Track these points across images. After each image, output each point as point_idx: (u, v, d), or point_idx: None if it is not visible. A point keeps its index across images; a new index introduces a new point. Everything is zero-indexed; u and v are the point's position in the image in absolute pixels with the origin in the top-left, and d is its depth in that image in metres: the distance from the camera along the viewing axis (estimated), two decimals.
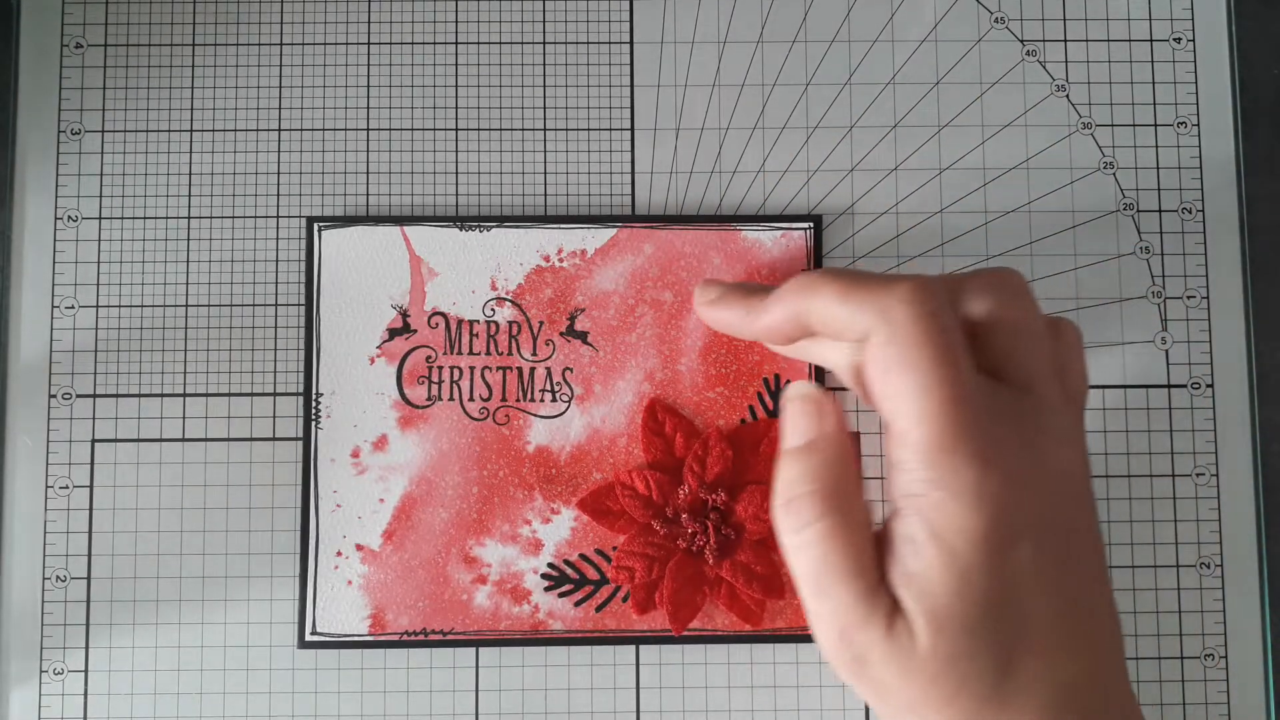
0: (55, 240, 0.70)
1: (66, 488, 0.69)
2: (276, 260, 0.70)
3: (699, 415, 0.69)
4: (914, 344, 0.45)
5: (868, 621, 0.46)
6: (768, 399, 0.69)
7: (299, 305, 0.70)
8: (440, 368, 0.69)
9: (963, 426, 0.44)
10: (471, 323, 0.69)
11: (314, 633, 0.68)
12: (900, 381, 0.45)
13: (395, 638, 0.67)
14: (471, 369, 0.69)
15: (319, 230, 0.70)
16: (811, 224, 0.70)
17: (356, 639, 0.68)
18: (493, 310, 0.69)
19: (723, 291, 0.61)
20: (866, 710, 0.68)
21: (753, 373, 0.69)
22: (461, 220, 0.70)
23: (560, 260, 0.70)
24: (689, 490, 0.67)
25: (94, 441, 0.69)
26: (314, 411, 0.69)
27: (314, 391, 0.69)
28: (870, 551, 0.47)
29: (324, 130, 0.72)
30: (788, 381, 0.69)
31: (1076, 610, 0.47)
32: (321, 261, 0.69)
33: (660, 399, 0.68)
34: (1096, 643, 0.47)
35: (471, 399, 0.69)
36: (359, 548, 0.68)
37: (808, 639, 0.68)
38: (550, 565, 0.68)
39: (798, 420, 0.52)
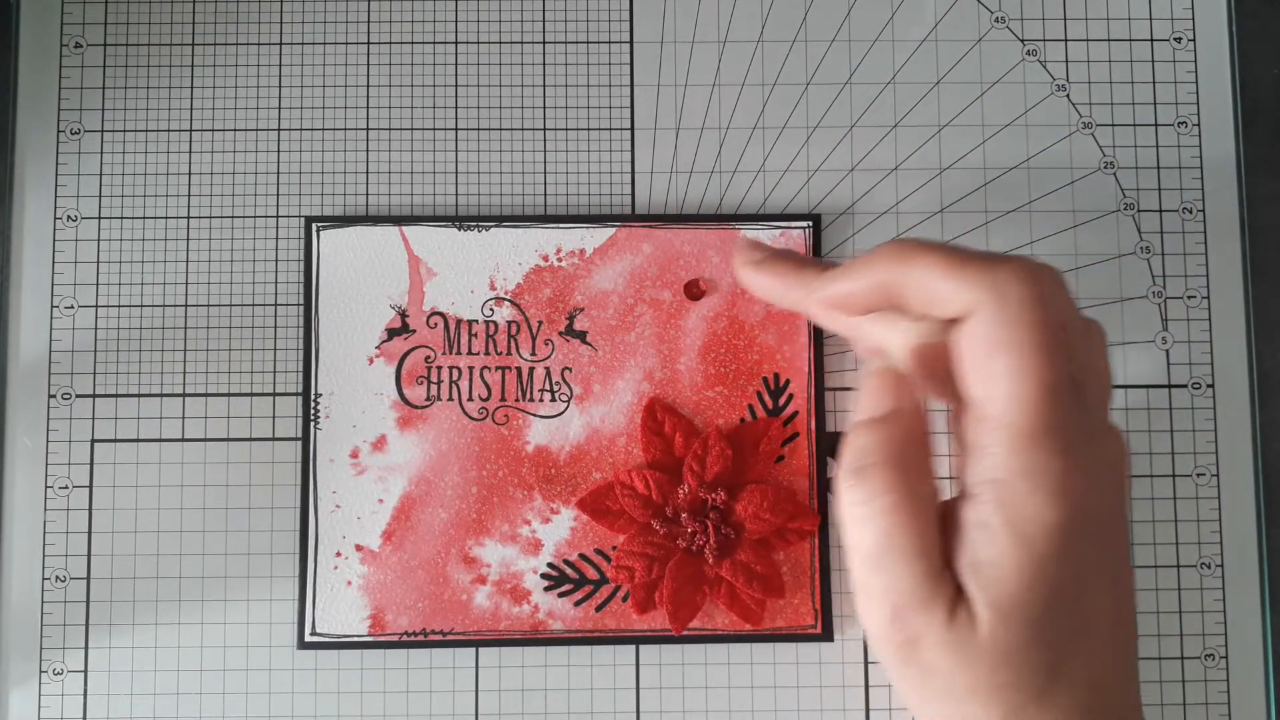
0: (55, 240, 0.70)
1: (66, 488, 0.69)
2: (275, 260, 0.70)
3: (698, 414, 0.69)
4: (1025, 326, 0.43)
5: (928, 605, 0.45)
6: (767, 398, 0.69)
7: (298, 305, 0.70)
8: (439, 368, 0.69)
9: (1056, 417, 0.43)
10: (470, 322, 0.69)
11: (314, 633, 0.68)
12: (1002, 363, 0.44)
13: (395, 638, 0.67)
14: (470, 369, 0.69)
15: (317, 230, 0.70)
16: (810, 223, 0.70)
17: (356, 640, 0.68)
18: (491, 310, 0.69)
19: (770, 254, 0.57)
20: (866, 710, 0.68)
21: (752, 372, 0.69)
22: (460, 220, 0.70)
23: (559, 260, 0.69)
24: (689, 490, 0.67)
25: (93, 441, 0.69)
26: (313, 412, 0.69)
27: (313, 392, 0.69)
28: (935, 533, 0.46)
29: (323, 130, 0.72)
30: (787, 381, 0.69)
31: (1121, 607, 0.46)
32: (319, 262, 0.69)
33: (659, 398, 0.69)
34: (1128, 640, 0.47)
35: (470, 399, 0.69)
36: (358, 548, 0.68)
37: (807, 638, 0.68)
38: (550, 565, 0.68)
39: (876, 394, 0.50)
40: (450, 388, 0.69)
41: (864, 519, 0.47)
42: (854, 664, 0.68)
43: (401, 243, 0.69)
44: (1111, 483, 0.46)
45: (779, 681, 0.68)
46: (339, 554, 0.68)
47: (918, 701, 0.47)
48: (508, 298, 0.69)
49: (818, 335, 0.69)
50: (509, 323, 0.69)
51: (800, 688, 0.68)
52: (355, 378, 0.69)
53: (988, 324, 0.44)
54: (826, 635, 0.68)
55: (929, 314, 0.47)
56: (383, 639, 0.67)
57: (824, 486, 0.69)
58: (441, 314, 0.69)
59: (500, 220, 0.69)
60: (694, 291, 0.69)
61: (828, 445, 0.68)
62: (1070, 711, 0.45)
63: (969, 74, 0.72)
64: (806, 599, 0.68)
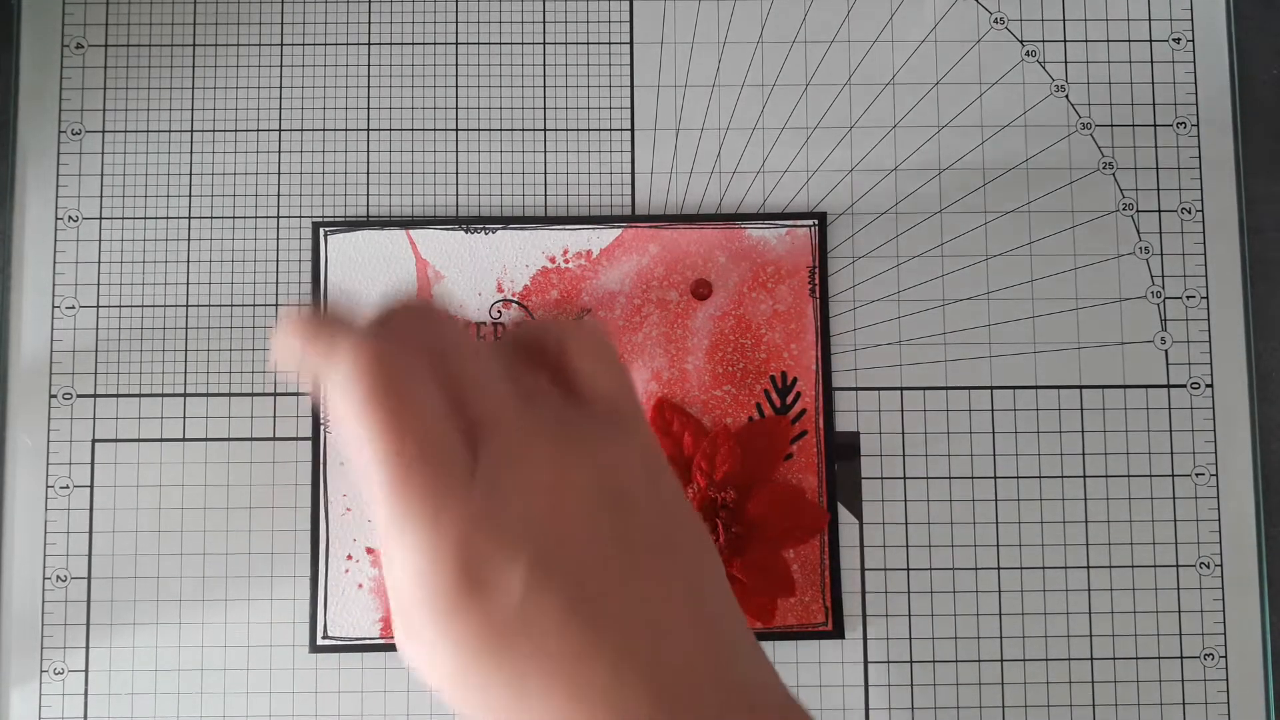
0: (56, 240, 0.70)
1: (67, 488, 0.69)
2: (277, 260, 0.70)
3: (707, 414, 0.69)
4: (351, 403, 0.43)
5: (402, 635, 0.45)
6: (775, 397, 0.69)
7: (299, 306, 0.70)
8: None
9: (405, 481, 0.42)
10: (479, 325, 0.69)
11: (325, 636, 0.68)
12: (351, 434, 0.43)
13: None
14: None
15: (324, 234, 0.70)
16: (816, 221, 0.70)
17: (368, 642, 0.68)
18: (499, 312, 0.69)
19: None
20: (866, 711, 0.68)
21: (760, 370, 0.69)
22: (466, 222, 0.70)
23: (566, 261, 0.70)
24: (698, 489, 0.67)
25: (94, 441, 0.69)
26: (323, 415, 0.69)
27: (322, 395, 0.69)
28: None
29: (324, 131, 0.72)
30: (794, 380, 0.70)
31: (608, 614, 0.43)
32: (327, 265, 0.69)
33: (668, 398, 0.69)
34: (652, 638, 0.44)
35: None
36: (369, 551, 0.68)
37: (816, 635, 0.68)
38: None
39: None
40: None
41: None
42: (854, 664, 0.69)
43: (409, 246, 0.69)
44: (564, 494, 0.45)
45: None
46: (350, 556, 0.68)
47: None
48: (515, 299, 0.69)
49: (825, 333, 0.69)
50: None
51: (800, 687, 0.68)
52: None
53: (335, 399, 0.44)
54: (838, 632, 0.68)
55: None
56: (394, 641, 0.67)
57: (833, 484, 0.69)
58: None
59: (506, 222, 0.69)
60: (701, 291, 0.69)
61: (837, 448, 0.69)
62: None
63: (968, 74, 0.73)
64: (817, 596, 0.68)
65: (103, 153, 0.71)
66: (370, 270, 0.69)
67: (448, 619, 0.42)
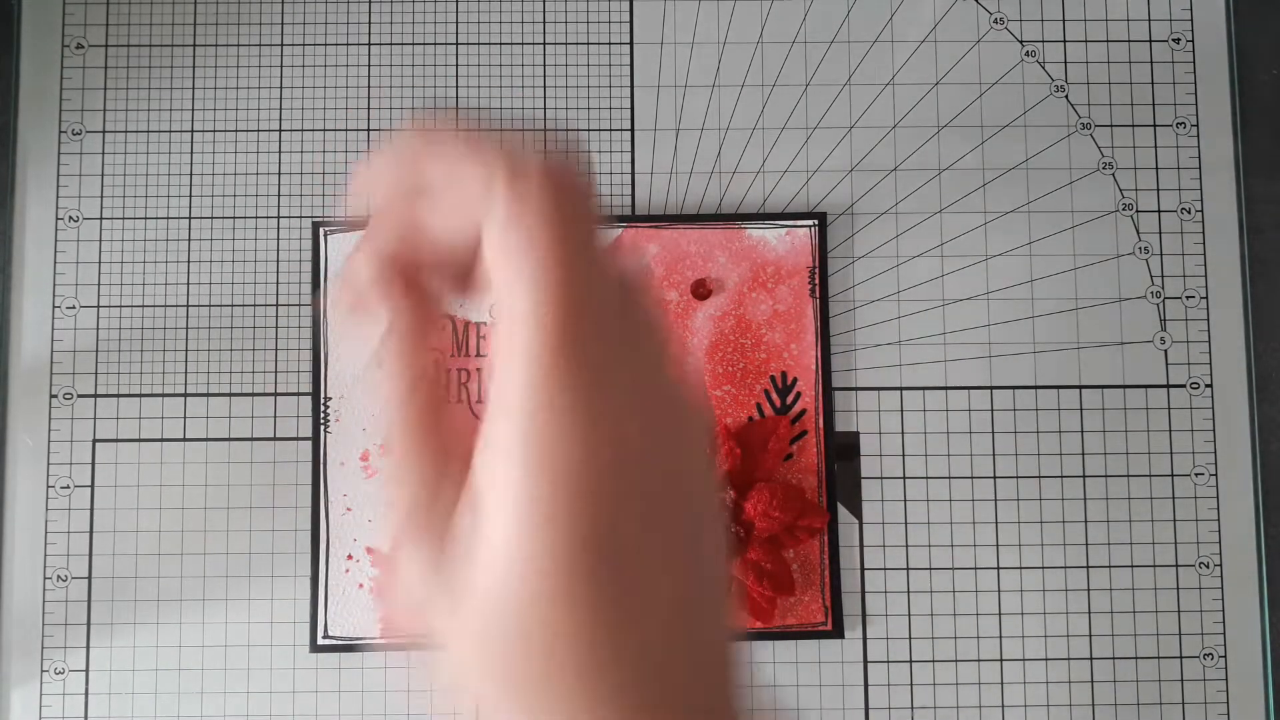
0: (56, 240, 0.70)
1: (68, 487, 0.69)
2: (278, 260, 0.70)
3: None
4: (543, 215, 0.32)
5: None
6: (775, 396, 0.69)
7: (298, 306, 0.70)
8: (448, 370, 0.69)
9: (582, 335, 0.32)
10: (479, 324, 0.69)
11: (326, 636, 0.68)
12: (519, 264, 0.32)
13: (408, 640, 0.67)
14: (479, 370, 0.69)
15: (324, 234, 0.70)
16: (816, 221, 0.70)
17: (368, 642, 0.68)
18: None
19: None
20: (866, 710, 0.68)
21: (759, 370, 0.69)
22: None
23: None
24: None
25: (95, 441, 0.69)
26: (323, 415, 0.69)
27: (323, 395, 0.69)
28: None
29: (324, 131, 0.72)
30: (794, 380, 0.70)
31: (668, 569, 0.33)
32: (327, 265, 0.69)
33: None
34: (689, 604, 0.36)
35: (480, 400, 0.69)
36: (369, 550, 0.68)
37: (816, 635, 0.68)
38: None
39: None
40: (459, 390, 0.68)
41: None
42: (853, 663, 0.68)
43: None
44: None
45: (779, 681, 0.68)
46: (350, 556, 0.68)
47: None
48: None
49: (825, 333, 0.69)
50: None
51: (800, 687, 0.68)
52: (365, 381, 0.69)
53: (508, 227, 0.33)
54: (837, 632, 0.68)
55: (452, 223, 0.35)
56: (395, 641, 0.67)
57: (833, 484, 0.69)
58: (449, 316, 0.69)
59: None
60: (700, 291, 0.69)
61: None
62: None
63: (968, 75, 0.73)
64: (817, 596, 0.68)
65: (103, 153, 0.71)
66: None
67: (553, 360, 0.31)
